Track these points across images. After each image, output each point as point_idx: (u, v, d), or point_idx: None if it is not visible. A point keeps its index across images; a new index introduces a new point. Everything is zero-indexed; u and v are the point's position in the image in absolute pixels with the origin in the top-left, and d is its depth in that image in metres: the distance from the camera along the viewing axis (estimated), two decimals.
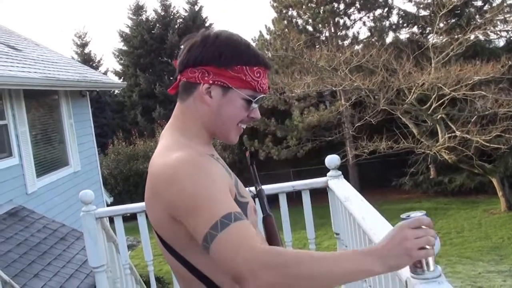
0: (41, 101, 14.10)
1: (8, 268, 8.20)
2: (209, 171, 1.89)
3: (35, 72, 12.69)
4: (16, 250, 9.30)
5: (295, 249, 1.77)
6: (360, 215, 3.23)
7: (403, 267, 1.72)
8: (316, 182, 4.62)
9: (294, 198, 4.73)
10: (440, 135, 24.54)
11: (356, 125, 26.76)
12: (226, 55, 2.01)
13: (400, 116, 25.51)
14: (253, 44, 2.24)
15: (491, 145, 22.88)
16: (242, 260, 1.66)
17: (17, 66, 12.31)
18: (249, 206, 2.09)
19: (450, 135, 23.97)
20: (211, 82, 2.02)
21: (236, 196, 2.01)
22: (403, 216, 1.74)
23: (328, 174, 4.47)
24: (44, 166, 13.14)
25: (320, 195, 5.02)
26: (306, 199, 4.64)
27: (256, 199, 2.38)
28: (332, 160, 4.45)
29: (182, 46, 2.13)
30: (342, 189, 4.07)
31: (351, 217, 3.60)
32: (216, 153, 2.15)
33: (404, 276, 2.12)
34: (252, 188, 2.44)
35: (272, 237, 2.24)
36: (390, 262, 1.66)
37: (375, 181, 27.91)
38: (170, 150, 1.97)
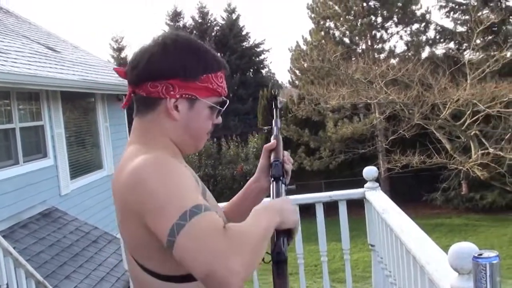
0: (78, 103, 14.23)
1: (40, 269, 8.26)
2: (176, 169, 1.75)
3: (73, 74, 12.82)
4: (48, 251, 9.39)
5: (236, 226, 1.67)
6: (398, 227, 3.23)
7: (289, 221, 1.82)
8: (353, 193, 4.63)
9: (325, 209, 4.73)
10: (473, 152, 24.45)
11: (390, 138, 26.73)
12: (191, 66, 1.87)
13: (434, 131, 25.46)
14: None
15: None
16: (212, 257, 1.53)
17: (55, 68, 12.43)
18: None
19: (483, 151, 23.87)
20: (177, 96, 1.87)
21: None
22: (475, 254, 1.71)
23: (366, 185, 4.48)
24: (78, 168, 13.24)
25: (351, 208, 5.00)
26: (343, 209, 4.64)
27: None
28: (369, 171, 4.46)
29: (134, 55, 1.99)
30: (379, 201, 4.08)
31: (388, 229, 3.60)
32: (184, 163, 1.96)
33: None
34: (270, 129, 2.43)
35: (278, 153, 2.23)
36: (283, 214, 1.79)
37: (406, 195, 27.67)
38: (135, 156, 1.84)
